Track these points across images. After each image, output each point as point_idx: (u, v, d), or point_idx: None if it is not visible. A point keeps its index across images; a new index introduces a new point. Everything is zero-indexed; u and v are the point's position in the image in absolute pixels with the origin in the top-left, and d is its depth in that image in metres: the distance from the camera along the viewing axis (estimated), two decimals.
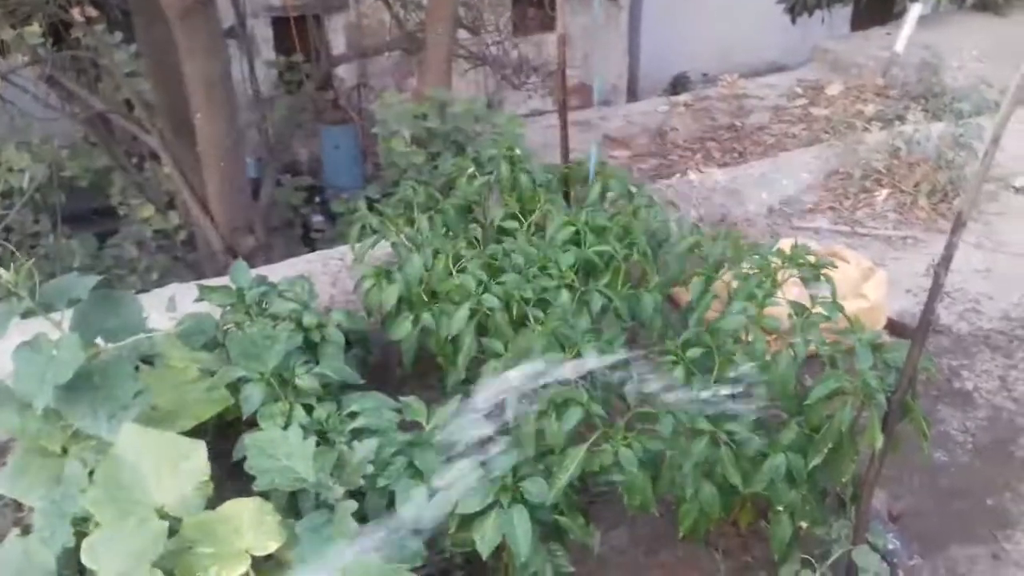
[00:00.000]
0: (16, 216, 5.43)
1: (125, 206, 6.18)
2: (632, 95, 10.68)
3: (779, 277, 2.56)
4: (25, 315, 2.48)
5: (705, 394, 2.23)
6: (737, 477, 2.21)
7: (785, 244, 2.77)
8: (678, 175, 5.35)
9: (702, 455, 2.19)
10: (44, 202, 5.81)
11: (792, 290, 2.74)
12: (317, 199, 8.09)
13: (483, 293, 2.57)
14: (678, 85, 11.19)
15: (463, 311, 2.57)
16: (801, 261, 2.59)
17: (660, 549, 2.62)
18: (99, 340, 2.58)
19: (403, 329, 2.73)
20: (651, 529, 2.67)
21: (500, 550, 2.29)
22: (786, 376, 2.33)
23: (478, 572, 2.50)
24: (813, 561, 2.43)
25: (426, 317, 2.70)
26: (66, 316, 2.58)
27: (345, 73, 9.25)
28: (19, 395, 2.44)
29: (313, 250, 4.86)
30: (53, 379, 2.34)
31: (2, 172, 5.51)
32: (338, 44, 9.19)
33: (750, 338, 2.45)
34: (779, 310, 2.56)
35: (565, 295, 2.53)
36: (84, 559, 2.12)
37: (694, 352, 2.33)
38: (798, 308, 2.50)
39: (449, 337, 2.62)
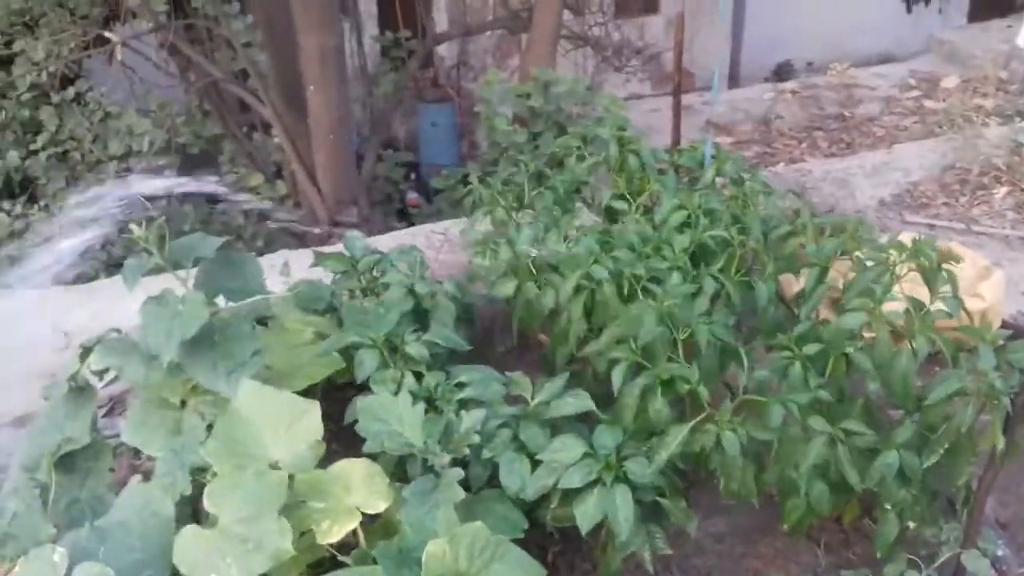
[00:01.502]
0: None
1: (234, 174, 6.38)
2: (734, 81, 10.45)
3: (898, 271, 2.49)
4: (153, 271, 2.59)
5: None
6: (855, 477, 2.17)
7: (905, 238, 2.69)
8: (783, 163, 5.25)
9: (819, 456, 2.16)
10: (160, 166, 6.05)
11: (905, 285, 2.67)
12: (412, 176, 8.20)
13: (594, 264, 2.57)
14: (782, 73, 10.91)
15: (571, 280, 2.57)
16: (922, 256, 2.51)
17: (759, 539, 2.60)
18: (220, 299, 2.67)
19: (507, 288, 2.75)
20: (751, 518, 2.64)
21: (599, 527, 2.31)
22: (906, 374, 2.28)
23: (575, 547, 2.53)
24: (919, 562, 2.38)
25: (529, 285, 2.72)
26: (190, 275, 2.69)
27: (445, 51, 9.33)
28: (145, 348, 2.55)
29: (410, 225, 4.95)
30: (179, 334, 2.43)
31: (122, 136, 5.76)
32: (440, 22, 9.26)
33: (867, 334, 2.40)
34: (895, 304, 2.50)
35: (676, 277, 2.52)
36: (207, 504, 2.22)
37: (810, 348, 2.30)
38: (917, 304, 2.43)
39: (556, 307, 2.63)
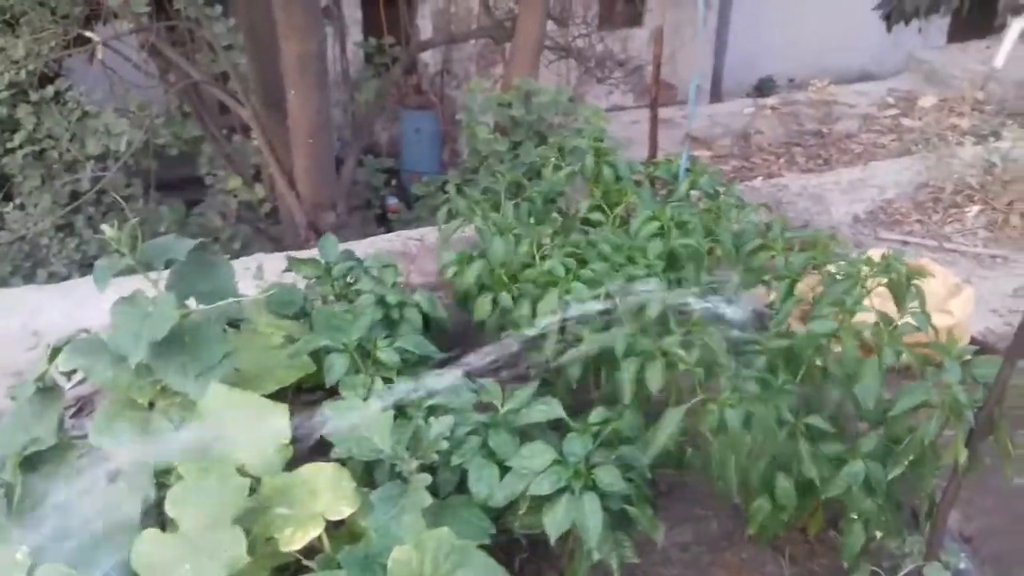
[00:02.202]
0: (110, 179, 5.63)
1: (212, 176, 6.36)
2: (716, 96, 10.55)
3: (868, 285, 2.52)
4: (124, 272, 2.58)
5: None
6: (814, 471, 2.19)
7: (874, 253, 2.72)
8: (761, 177, 5.30)
9: (781, 448, 2.17)
10: (137, 167, 6.02)
11: (876, 301, 2.70)
12: (393, 182, 8.20)
13: (572, 281, 2.58)
14: (763, 88, 11.02)
15: (551, 298, 2.58)
16: (892, 270, 2.54)
17: (725, 549, 2.61)
18: (191, 301, 2.66)
19: (483, 309, 2.76)
20: (716, 528, 2.66)
21: (566, 535, 2.31)
22: (871, 385, 2.30)
23: (541, 554, 2.53)
24: (882, 573, 2.40)
25: (503, 296, 2.73)
26: (162, 277, 2.68)
27: (429, 58, 9.35)
28: (114, 348, 2.54)
29: (389, 231, 4.95)
30: (149, 335, 2.42)
31: (100, 136, 5.72)
32: (425, 29, 9.29)
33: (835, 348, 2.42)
34: (863, 317, 2.52)
35: (654, 282, 2.54)
36: (168, 509, 2.20)
37: (779, 342, 2.32)
38: (885, 318, 2.46)
39: (533, 323, 2.64)
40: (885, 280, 2.58)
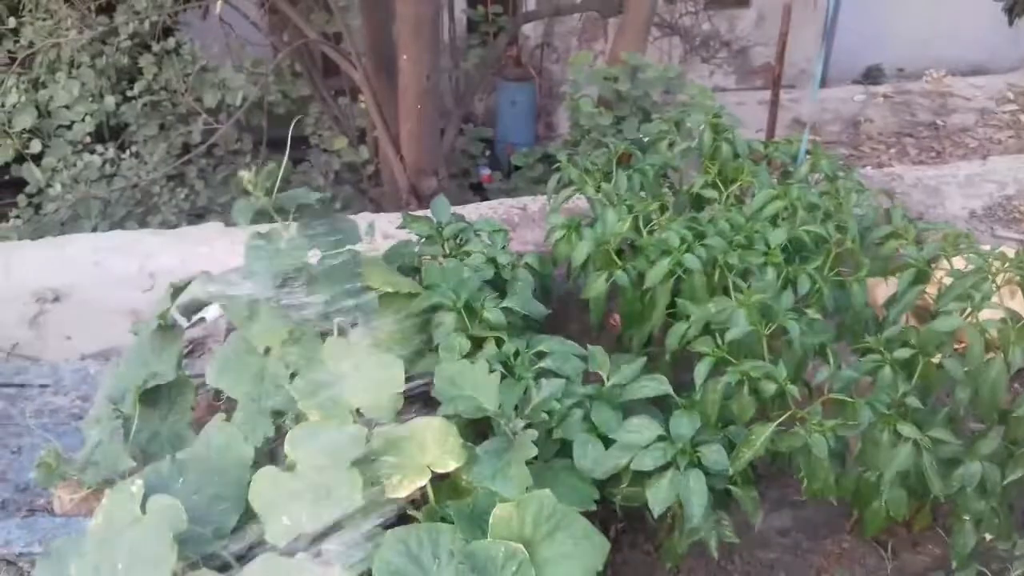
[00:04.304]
0: (222, 133, 5.79)
1: (318, 136, 6.47)
2: (822, 82, 10.24)
3: (998, 280, 2.43)
4: (257, 217, 2.66)
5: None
6: (940, 486, 2.13)
7: (1005, 249, 2.63)
8: (869, 167, 5.15)
9: (905, 463, 2.12)
10: (247, 123, 6.17)
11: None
12: (487, 152, 8.22)
13: (686, 252, 2.55)
14: (870, 76, 10.66)
15: (662, 266, 2.56)
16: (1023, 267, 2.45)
17: (825, 537, 2.58)
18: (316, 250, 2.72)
19: (597, 287, 2.75)
20: (818, 515, 2.62)
21: (665, 511, 2.31)
22: (996, 385, 2.23)
23: (637, 527, 2.54)
24: (989, 574, 2.33)
25: (619, 275, 2.71)
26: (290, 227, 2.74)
27: (529, 31, 9.31)
28: (246, 283, 2.60)
29: (484, 199, 4.98)
30: (279, 270, 2.49)
31: (216, 89, 5.88)
32: (529, 1, 9.25)
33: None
34: (989, 314, 2.44)
35: (771, 272, 2.49)
36: (287, 448, 2.27)
37: (901, 353, 2.26)
38: (1014, 315, 2.37)
39: (643, 292, 2.63)
40: (1016, 276, 2.49)
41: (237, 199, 2.77)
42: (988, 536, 2.31)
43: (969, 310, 2.33)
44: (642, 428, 2.28)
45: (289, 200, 2.55)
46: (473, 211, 4.22)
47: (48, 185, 5.82)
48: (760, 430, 2.21)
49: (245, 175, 2.49)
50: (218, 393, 2.83)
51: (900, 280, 2.58)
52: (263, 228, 2.74)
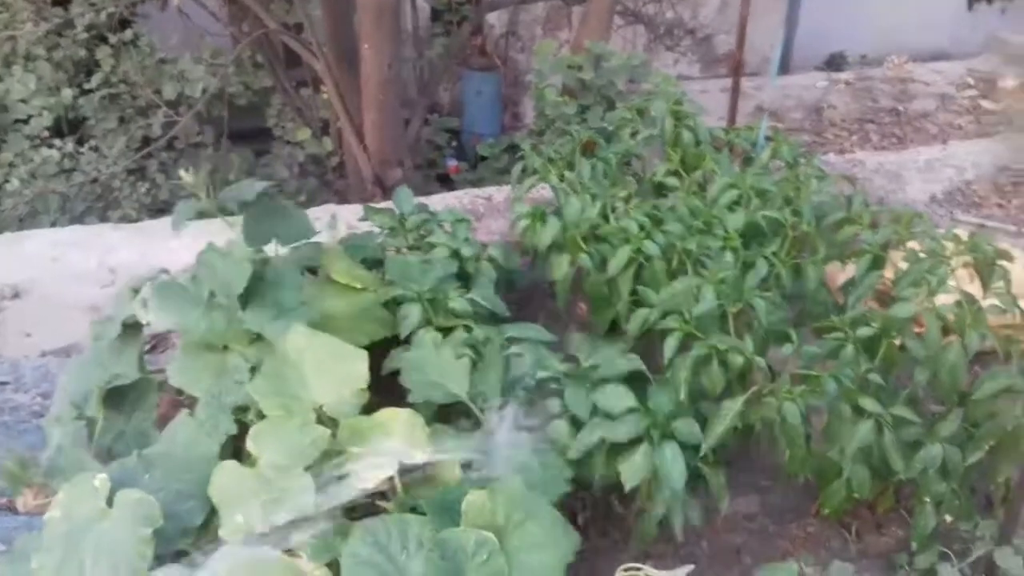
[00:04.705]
0: (182, 125, 5.71)
1: (280, 128, 6.39)
2: (784, 69, 10.30)
3: (953, 264, 2.47)
4: (200, 216, 2.63)
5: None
6: (900, 464, 2.17)
7: (959, 232, 2.66)
8: (833, 153, 5.19)
9: (866, 438, 2.15)
10: (208, 115, 6.08)
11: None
12: (453, 143, 8.19)
13: (645, 239, 2.57)
14: (834, 63, 10.74)
15: (623, 253, 2.57)
16: (978, 250, 2.49)
17: (791, 521, 2.61)
18: (272, 244, 2.70)
19: (561, 269, 2.76)
20: (783, 500, 2.65)
21: (635, 494, 2.32)
22: (955, 368, 2.26)
23: (604, 514, 2.55)
24: (952, 555, 2.37)
25: (583, 257, 2.72)
26: (237, 222, 2.71)
27: (494, 20, 9.26)
28: (198, 296, 2.59)
29: (450, 190, 4.96)
30: (234, 285, 2.47)
31: (176, 81, 5.79)
32: None
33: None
34: (944, 298, 2.48)
35: (729, 256, 2.51)
36: (249, 444, 2.26)
37: (864, 332, 2.29)
38: (970, 299, 2.41)
39: (606, 279, 2.63)
40: (970, 260, 2.53)
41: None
42: (949, 517, 2.35)
43: (925, 294, 2.37)
44: (616, 396, 2.28)
45: (231, 197, 2.53)
46: (439, 202, 4.21)
47: (5, 181, 5.70)
48: (731, 404, 2.23)
49: (184, 174, 2.47)
50: (180, 390, 2.80)
51: (858, 265, 2.61)
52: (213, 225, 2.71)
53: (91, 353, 2.80)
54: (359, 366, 2.39)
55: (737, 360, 2.21)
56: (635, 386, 2.32)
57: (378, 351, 2.74)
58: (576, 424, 2.28)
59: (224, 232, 2.70)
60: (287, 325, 2.47)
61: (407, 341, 2.63)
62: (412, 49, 7.33)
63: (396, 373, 2.52)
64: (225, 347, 2.68)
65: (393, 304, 2.74)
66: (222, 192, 2.68)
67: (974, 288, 2.52)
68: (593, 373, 2.35)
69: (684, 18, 9.01)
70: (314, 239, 2.82)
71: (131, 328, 2.75)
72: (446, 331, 2.61)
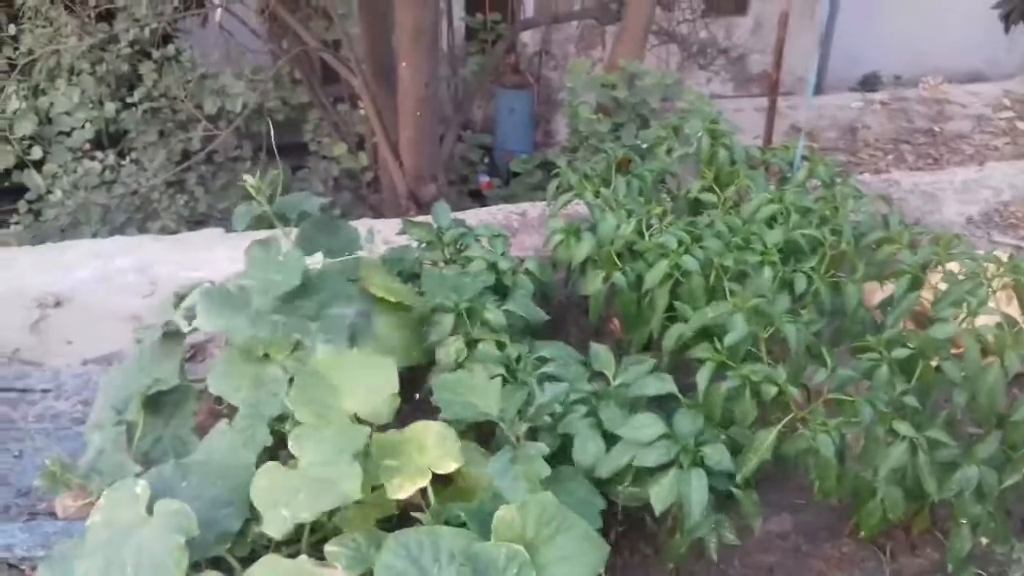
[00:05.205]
0: (222, 140, 5.82)
1: (317, 143, 6.50)
2: (819, 89, 10.29)
3: (994, 285, 2.45)
4: (257, 222, 2.68)
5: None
6: (933, 486, 2.15)
7: (999, 254, 2.65)
8: (867, 173, 5.18)
9: (899, 460, 2.14)
10: (247, 130, 6.19)
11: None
12: (486, 159, 8.26)
13: (683, 254, 2.58)
14: (868, 84, 10.70)
15: (660, 267, 2.58)
16: (1018, 271, 2.47)
17: (824, 540, 2.59)
18: (319, 256, 2.74)
19: (594, 285, 2.77)
20: (817, 519, 2.63)
21: (667, 512, 2.32)
22: (994, 389, 2.25)
23: (637, 529, 2.55)
24: None
25: (617, 276, 2.73)
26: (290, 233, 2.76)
27: (528, 38, 9.34)
28: (243, 298, 2.63)
29: (482, 205, 5.00)
30: (280, 284, 2.51)
31: (216, 96, 5.91)
32: (527, 8, 9.28)
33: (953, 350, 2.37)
34: (985, 319, 2.46)
35: (768, 272, 2.51)
36: (291, 446, 2.28)
37: (899, 353, 2.28)
38: (1010, 320, 2.39)
39: (643, 293, 2.64)
40: (1011, 281, 2.51)
41: (238, 205, 2.79)
42: (985, 540, 2.33)
43: (965, 315, 2.35)
44: (646, 425, 2.29)
45: (290, 206, 2.57)
46: (473, 217, 4.24)
47: (48, 191, 5.84)
48: (765, 435, 2.22)
49: (249, 179, 2.51)
50: (220, 398, 2.85)
51: (896, 285, 2.60)
52: (262, 234, 2.76)
53: (133, 359, 2.85)
54: (389, 375, 2.42)
55: (770, 390, 2.21)
56: (666, 406, 2.33)
57: (418, 371, 2.78)
58: (607, 440, 2.28)
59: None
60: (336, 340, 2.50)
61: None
62: (447, 67, 7.41)
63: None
64: (265, 355, 2.72)
65: (431, 317, 2.77)
66: (280, 200, 2.73)
67: (1012, 310, 2.51)
68: (624, 391, 2.36)
69: (718, 38, 9.04)
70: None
71: (173, 335, 2.80)
72: (477, 343, 2.62)
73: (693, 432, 2.23)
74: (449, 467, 2.30)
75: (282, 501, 2.16)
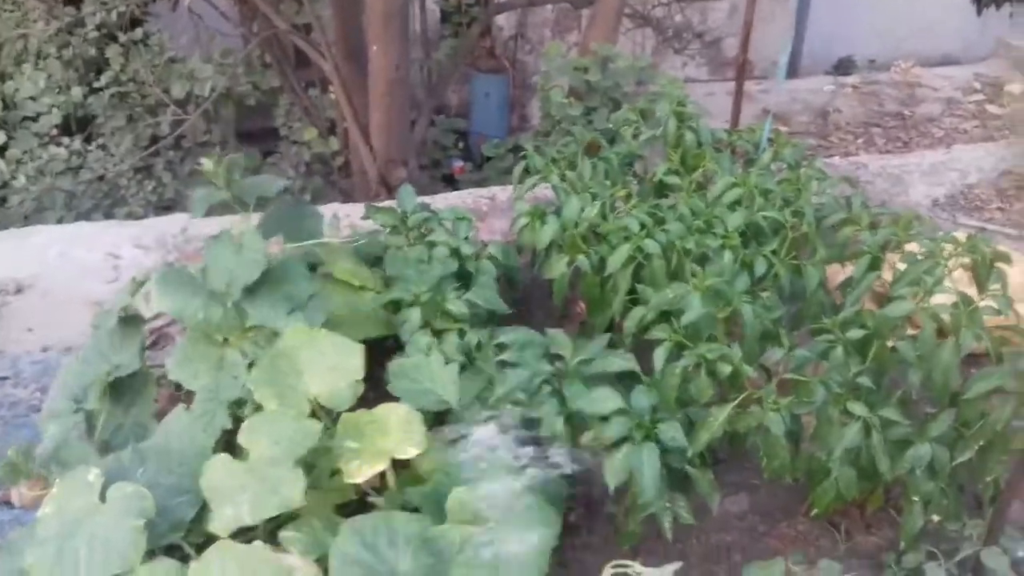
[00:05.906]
0: (190, 124, 5.76)
1: (288, 128, 6.44)
2: (793, 73, 10.29)
3: (950, 265, 2.47)
4: (218, 207, 2.65)
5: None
6: (886, 465, 2.17)
7: (958, 235, 2.67)
8: (837, 156, 5.20)
9: (853, 441, 2.16)
10: (216, 114, 6.13)
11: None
12: (460, 144, 8.22)
13: (645, 237, 2.58)
14: (842, 68, 10.73)
15: (622, 251, 2.59)
16: (975, 252, 2.49)
17: (780, 520, 2.61)
18: (279, 239, 2.72)
19: (558, 268, 2.77)
20: (773, 499, 2.66)
21: (623, 493, 2.33)
22: (948, 368, 2.27)
23: (594, 512, 2.56)
24: (939, 555, 2.38)
25: (581, 259, 2.73)
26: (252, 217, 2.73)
27: (503, 22, 9.28)
28: (208, 286, 2.60)
29: (455, 190, 4.99)
30: (242, 277, 2.49)
31: (184, 80, 5.84)
32: None
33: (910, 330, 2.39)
34: (941, 299, 2.48)
35: (728, 255, 2.52)
36: (241, 438, 2.28)
37: (854, 334, 2.29)
38: (965, 299, 2.41)
39: (605, 277, 2.65)
40: (967, 261, 2.53)
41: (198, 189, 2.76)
42: (936, 517, 2.36)
43: (921, 295, 2.37)
44: (605, 399, 2.30)
45: (250, 190, 2.55)
46: (442, 201, 4.23)
47: (12, 177, 5.76)
48: (718, 412, 2.24)
49: (205, 162, 2.48)
50: (179, 384, 2.83)
51: (856, 266, 2.62)
52: (226, 220, 2.73)
53: (91, 345, 2.82)
54: (354, 359, 2.41)
55: (725, 369, 2.22)
56: (627, 384, 2.33)
57: (375, 347, 2.77)
58: (572, 421, 2.29)
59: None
60: (300, 319, 2.48)
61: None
62: (420, 50, 7.36)
63: None
64: (225, 341, 2.70)
65: (392, 305, 2.76)
66: (239, 184, 2.70)
67: (972, 291, 2.53)
68: (585, 368, 2.36)
69: (693, 22, 9.03)
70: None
71: (131, 319, 2.77)
72: (441, 333, 2.62)
73: (648, 408, 2.24)
74: (410, 453, 2.30)
75: (228, 499, 2.15)
